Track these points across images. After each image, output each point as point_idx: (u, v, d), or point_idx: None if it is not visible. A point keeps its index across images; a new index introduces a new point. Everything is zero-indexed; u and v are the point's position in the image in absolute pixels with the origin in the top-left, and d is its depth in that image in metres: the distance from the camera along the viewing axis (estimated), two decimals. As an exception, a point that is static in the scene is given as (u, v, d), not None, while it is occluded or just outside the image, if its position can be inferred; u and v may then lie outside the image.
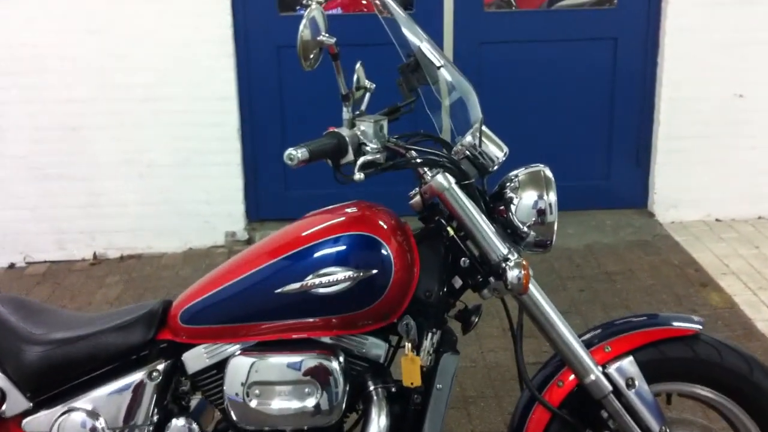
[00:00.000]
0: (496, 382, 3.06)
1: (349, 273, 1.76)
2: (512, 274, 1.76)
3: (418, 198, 1.89)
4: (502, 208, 1.87)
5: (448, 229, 1.86)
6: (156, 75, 4.30)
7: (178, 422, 1.85)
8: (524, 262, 1.77)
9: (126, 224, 4.49)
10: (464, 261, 1.85)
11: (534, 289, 1.86)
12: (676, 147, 4.50)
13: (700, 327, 1.95)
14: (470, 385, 3.00)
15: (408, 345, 1.82)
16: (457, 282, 1.89)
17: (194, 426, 1.86)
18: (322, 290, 1.77)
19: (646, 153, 4.61)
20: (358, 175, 1.71)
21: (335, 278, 1.76)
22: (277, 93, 4.51)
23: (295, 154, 1.64)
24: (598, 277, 3.97)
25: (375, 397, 1.85)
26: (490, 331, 3.33)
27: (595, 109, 4.59)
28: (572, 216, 4.43)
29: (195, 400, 1.95)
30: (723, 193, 4.55)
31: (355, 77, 1.87)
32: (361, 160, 1.73)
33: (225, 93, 4.36)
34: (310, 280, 1.77)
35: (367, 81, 1.87)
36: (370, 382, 1.86)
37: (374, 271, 1.77)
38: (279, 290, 1.78)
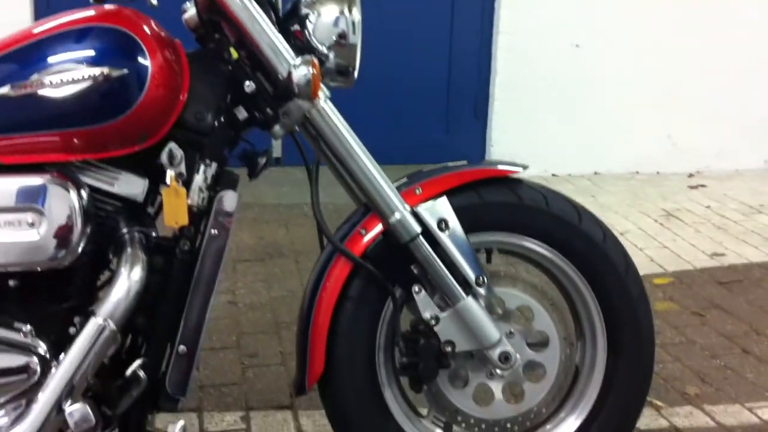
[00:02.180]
0: (314, 309, 2.76)
1: (89, 71, 1.39)
2: (299, 74, 1.46)
3: (193, 11, 1.55)
4: (297, 28, 1.57)
5: (231, 50, 1.54)
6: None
7: None
8: (314, 60, 1.47)
9: None
10: (249, 85, 1.52)
11: (329, 109, 1.56)
12: (514, 98, 4.38)
13: (523, 169, 1.70)
14: (285, 313, 2.66)
15: (171, 174, 1.46)
16: (242, 113, 1.56)
17: None
18: (53, 92, 1.38)
19: (484, 105, 4.47)
20: None
21: (70, 76, 1.38)
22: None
23: None
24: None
25: (128, 243, 1.47)
26: (311, 265, 3.02)
27: (432, 61, 4.40)
28: (412, 170, 4.20)
29: None
30: (560, 148, 4.45)
31: None
32: None
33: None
34: (37, 78, 1.38)
35: None
36: (122, 225, 1.49)
37: (124, 72, 1.40)
38: (-1, 92, 1.38)
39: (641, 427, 2.06)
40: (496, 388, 1.68)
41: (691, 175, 4.47)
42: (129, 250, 1.46)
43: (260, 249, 3.19)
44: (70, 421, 1.37)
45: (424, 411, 1.74)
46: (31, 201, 1.39)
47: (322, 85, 1.53)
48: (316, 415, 2.06)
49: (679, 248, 3.40)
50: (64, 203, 1.40)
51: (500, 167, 1.70)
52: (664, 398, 2.22)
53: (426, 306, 1.62)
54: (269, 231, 3.38)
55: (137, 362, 1.45)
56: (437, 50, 4.40)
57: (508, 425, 1.71)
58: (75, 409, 1.38)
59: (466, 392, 1.67)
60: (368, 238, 1.62)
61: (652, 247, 3.42)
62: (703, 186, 4.28)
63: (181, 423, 1.74)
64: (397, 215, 1.58)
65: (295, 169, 4.38)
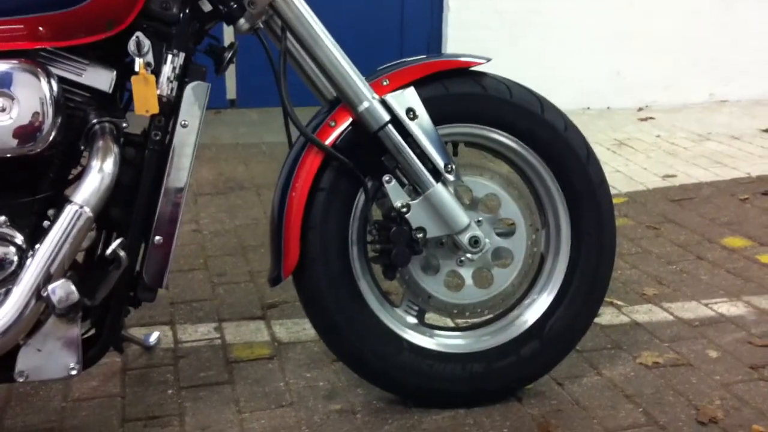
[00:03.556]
0: (279, 235, 2.77)
1: None
2: None
3: None
4: None
5: None
6: None
7: None
8: None
9: None
10: None
11: None
12: (467, 37, 4.40)
13: (487, 61, 1.74)
14: (250, 238, 2.67)
15: (139, 62, 1.46)
16: (206, 5, 1.55)
17: None
18: (13, -26, 1.37)
19: (436, 44, 4.48)
20: None
21: (33, -41, 1.37)
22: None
23: None
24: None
25: (99, 133, 1.47)
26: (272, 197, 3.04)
27: None
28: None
29: None
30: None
31: None
32: None
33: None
34: (-1, -39, 1.36)
35: None
36: (92, 116, 1.48)
37: None
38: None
39: (603, 323, 2.14)
40: (467, 273, 1.73)
41: (640, 109, 4.57)
42: (100, 141, 1.46)
43: (221, 183, 3.18)
44: (54, 299, 1.37)
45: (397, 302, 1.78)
46: (1, 86, 1.38)
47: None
48: (288, 323, 2.09)
49: (632, 172, 3.49)
50: (34, 89, 1.39)
51: (465, 59, 1.73)
52: (623, 299, 2.30)
53: (397, 195, 1.65)
54: (228, 168, 3.37)
55: (117, 242, 1.45)
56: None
57: (479, 310, 1.76)
58: (57, 286, 1.38)
59: (438, 279, 1.72)
60: (338, 129, 1.64)
61: (606, 172, 3.47)
62: (652, 118, 4.38)
63: (156, 333, 1.76)
64: (366, 104, 1.61)
65: (251, 110, 4.38)
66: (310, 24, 1.59)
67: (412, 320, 1.75)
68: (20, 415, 1.70)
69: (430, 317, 1.82)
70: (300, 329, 2.06)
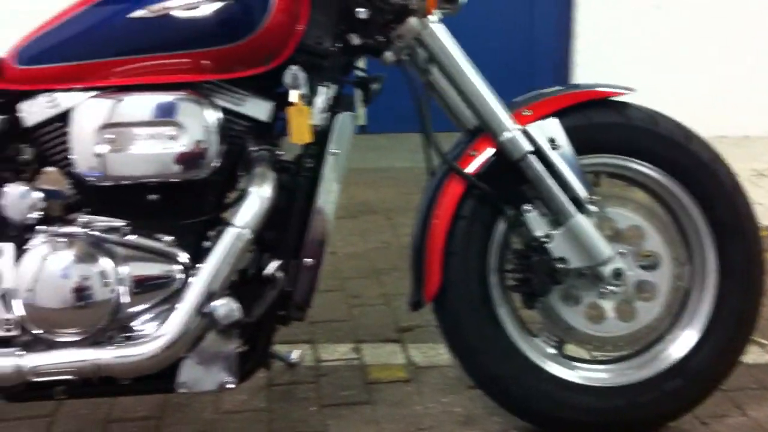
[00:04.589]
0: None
1: None
2: None
3: None
4: None
5: None
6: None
7: (18, 187, 1.51)
8: None
9: None
10: (362, 12, 1.59)
11: (442, 30, 1.63)
12: (595, 63, 4.35)
13: (630, 92, 1.72)
14: (382, 261, 2.73)
15: (295, 93, 1.54)
16: (355, 39, 1.63)
17: (35, 194, 1.51)
18: (186, 13, 1.48)
19: (563, 70, 4.45)
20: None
21: (199, -1, 1.48)
22: None
23: None
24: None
25: (257, 161, 1.56)
26: (402, 220, 3.11)
27: (512, 26, 4.40)
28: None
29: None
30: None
31: None
32: None
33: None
34: (169, 2, 1.47)
35: None
36: (251, 144, 1.57)
37: None
38: (133, 14, 1.48)
39: (749, 362, 2.06)
40: (608, 306, 1.71)
41: (780, 137, 4.38)
42: (258, 167, 1.55)
43: (352, 207, 3.26)
44: (217, 315, 1.46)
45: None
46: (171, 116, 1.49)
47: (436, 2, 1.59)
48: (424, 347, 2.13)
49: (773, 204, 3.34)
50: (200, 119, 1.50)
51: (607, 89, 1.72)
52: (768, 336, 2.21)
53: (537, 224, 1.66)
54: (359, 192, 3.45)
55: (274, 264, 1.54)
56: (518, 15, 4.40)
57: (620, 343, 1.74)
58: (221, 303, 1.47)
59: (578, 310, 1.71)
60: (480, 158, 1.67)
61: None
62: (794, 148, 4.19)
63: (298, 351, 1.83)
64: (509, 134, 1.63)
65: (380, 136, 4.48)
66: (455, 55, 1.64)
67: (552, 351, 1.75)
68: (176, 424, 1.81)
69: (569, 348, 1.81)
70: (435, 354, 2.09)
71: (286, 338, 2.13)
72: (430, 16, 1.61)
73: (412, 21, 1.59)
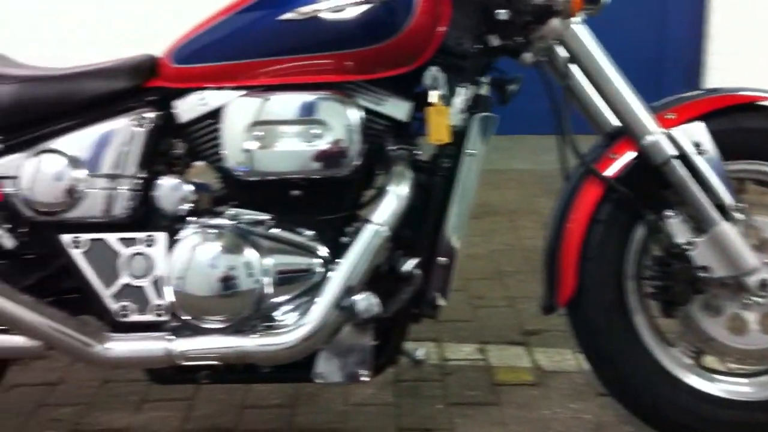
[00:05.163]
0: (533, 261, 2.75)
1: None
2: None
3: None
4: None
5: None
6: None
7: (171, 180, 1.59)
8: None
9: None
10: (501, 13, 1.58)
11: (585, 31, 1.62)
12: (729, 66, 4.18)
13: (781, 96, 1.65)
14: (506, 263, 2.72)
15: (434, 94, 1.56)
16: (494, 41, 1.63)
17: (187, 187, 1.60)
18: (331, 15, 1.52)
19: (695, 72, 4.30)
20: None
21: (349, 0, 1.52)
22: None
23: None
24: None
25: (395, 159, 1.58)
26: (525, 223, 3.11)
27: (643, 27, 4.29)
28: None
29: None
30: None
31: None
32: None
33: None
34: (320, 2, 1.52)
35: None
36: (390, 143, 1.60)
37: None
38: (285, 16, 1.53)
39: None
40: (752, 318, 1.64)
41: None
42: (397, 166, 1.57)
43: (475, 208, 3.24)
44: (357, 309, 1.50)
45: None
46: (316, 114, 1.53)
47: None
48: (550, 352, 2.11)
49: None
50: (343, 118, 1.53)
51: (755, 93, 1.65)
52: None
53: (679, 230, 1.61)
54: (482, 193, 3.40)
55: (412, 261, 1.56)
56: (650, 15, 4.28)
57: (765, 356, 1.67)
58: (362, 298, 1.51)
59: (719, 321, 1.65)
60: (620, 161, 1.64)
61: None
62: None
63: (424, 349, 1.85)
64: (652, 137, 1.59)
65: (502, 137, 4.42)
66: (598, 56, 1.62)
67: (689, 362, 1.69)
68: (308, 413, 1.87)
69: (707, 360, 1.75)
70: (562, 359, 2.06)
71: (411, 335, 2.17)
72: (573, 18, 1.60)
73: (555, 22, 1.58)
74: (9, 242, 1.58)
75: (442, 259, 1.61)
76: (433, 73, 1.55)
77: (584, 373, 1.91)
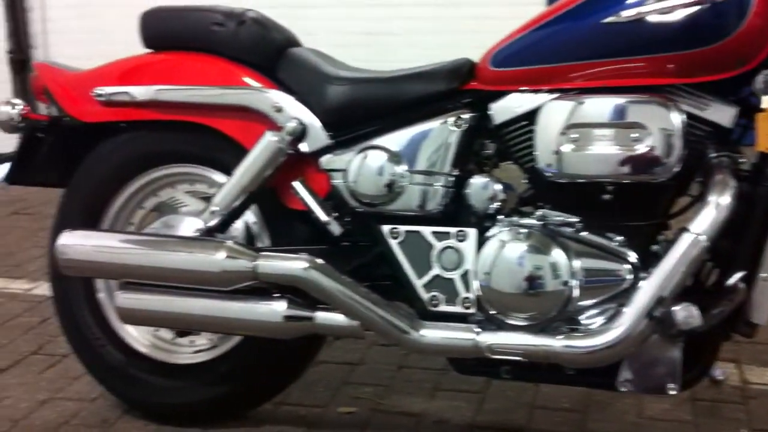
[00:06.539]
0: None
1: None
2: None
3: None
4: None
5: None
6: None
7: (482, 179, 1.65)
8: None
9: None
10: None
11: None
12: None
13: None
14: None
15: (766, 99, 1.47)
16: None
17: (497, 186, 1.65)
18: (657, 17, 1.48)
19: None
20: None
21: (678, 1, 1.47)
22: None
23: None
24: None
25: (717, 168, 1.51)
26: None
27: None
28: None
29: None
30: None
31: None
32: None
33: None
34: (647, 4, 1.49)
35: None
36: (711, 150, 1.53)
37: None
38: (608, 19, 1.52)
39: None
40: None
41: None
42: (719, 174, 1.50)
43: None
44: (675, 319, 1.45)
45: None
46: (636, 118, 1.51)
47: None
48: None
49: None
50: (665, 122, 1.49)
51: None
52: None
53: None
54: None
55: (737, 275, 1.48)
56: None
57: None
58: (680, 308, 1.46)
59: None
60: None
61: None
62: None
63: (722, 369, 1.76)
64: None
65: None
66: None
67: None
68: (599, 421, 1.85)
69: None
70: None
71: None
72: None
73: None
74: (336, 229, 1.72)
75: (765, 275, 1.51)
76: (765, 77, 1.47)
77: None
